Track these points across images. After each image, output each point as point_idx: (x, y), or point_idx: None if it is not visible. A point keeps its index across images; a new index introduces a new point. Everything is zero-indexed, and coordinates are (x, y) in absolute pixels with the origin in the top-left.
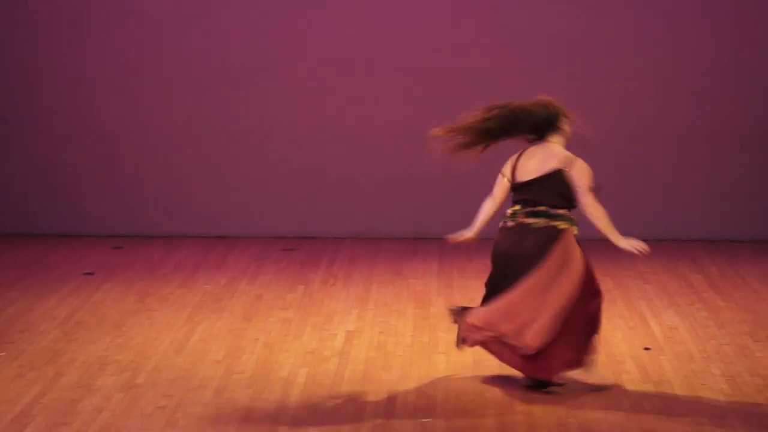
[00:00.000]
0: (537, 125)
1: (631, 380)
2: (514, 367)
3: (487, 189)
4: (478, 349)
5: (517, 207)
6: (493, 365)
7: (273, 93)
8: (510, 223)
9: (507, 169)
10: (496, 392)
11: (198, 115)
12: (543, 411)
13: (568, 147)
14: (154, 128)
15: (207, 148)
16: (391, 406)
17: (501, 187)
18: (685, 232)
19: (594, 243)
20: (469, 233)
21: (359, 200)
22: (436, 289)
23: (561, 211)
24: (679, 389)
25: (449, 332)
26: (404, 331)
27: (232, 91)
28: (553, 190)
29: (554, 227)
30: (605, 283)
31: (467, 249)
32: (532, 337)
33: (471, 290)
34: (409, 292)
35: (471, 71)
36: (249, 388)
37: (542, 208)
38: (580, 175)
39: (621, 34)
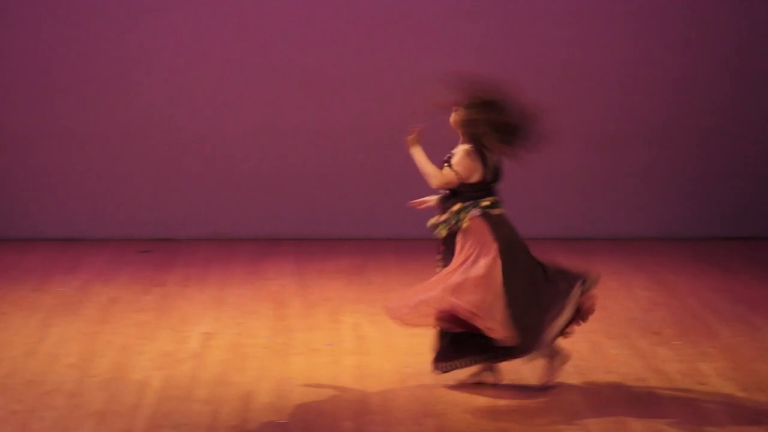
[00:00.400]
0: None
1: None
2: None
3: (343, 188)
4: (334, 349)
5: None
6: (350, 366)
7: (121, 96)
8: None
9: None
10: (353, 393)
11: (44, 117)
12: (400, 411)
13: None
14: (6, 129)
15: (57, 151)
16: (247, 408)
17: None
18: (539, 230)
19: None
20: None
21: (214, 202)
22: (291, 290)
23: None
24: (534, 387)
25: (305, 332)
26: (260, 332)
27: (85, 92)
28: None
29: None
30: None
31: (323, 250)
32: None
33: (326, 290)
34: (264, 293)
35: (322, 71)
36: (103, 392)
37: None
38: None
39: (503, 32)
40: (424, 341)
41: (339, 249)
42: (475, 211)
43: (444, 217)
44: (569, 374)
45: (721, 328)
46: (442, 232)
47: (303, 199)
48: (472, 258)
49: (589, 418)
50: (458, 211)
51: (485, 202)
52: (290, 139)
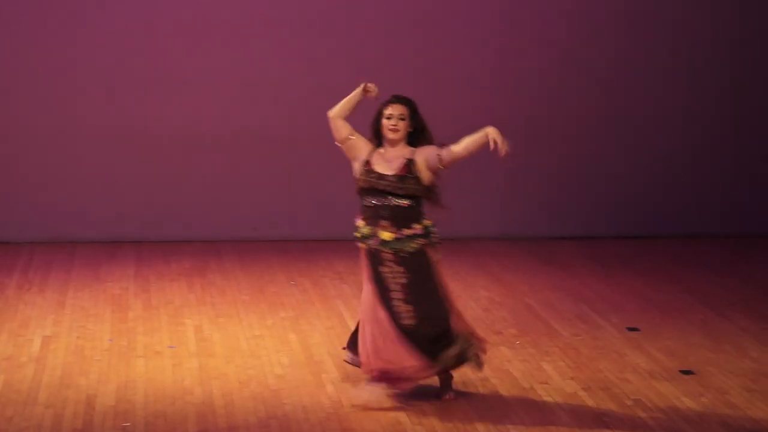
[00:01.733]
0: None
1: (331, 379)
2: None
3: (184, 191)
4: (177, 352)
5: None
6: (193, 368)
7: None
8: None
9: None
10: (197, 395)
11: None
12: (244, 412)
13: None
14: None
15: None
16: (90, 411)
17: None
18: None
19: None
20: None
21: (54, 204)
22: (133, 293)
23: None
24: (377, 386)
25: (147, 335)
26: (102, 335)
27: None
28: None
29: None
30: (302, 284)
31: (163, 252)
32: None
33: (168, 293)
34: (106, 296)
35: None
36: None
37: None
38: None
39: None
40: (266, 343)
41: (180, 251)
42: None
43: (409, 232)
44: None
45: (562, 328)
46: (412, 249)
47: (142, 201)
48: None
49: (433, 419)
50: (430, 227)
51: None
52: (130, 142)
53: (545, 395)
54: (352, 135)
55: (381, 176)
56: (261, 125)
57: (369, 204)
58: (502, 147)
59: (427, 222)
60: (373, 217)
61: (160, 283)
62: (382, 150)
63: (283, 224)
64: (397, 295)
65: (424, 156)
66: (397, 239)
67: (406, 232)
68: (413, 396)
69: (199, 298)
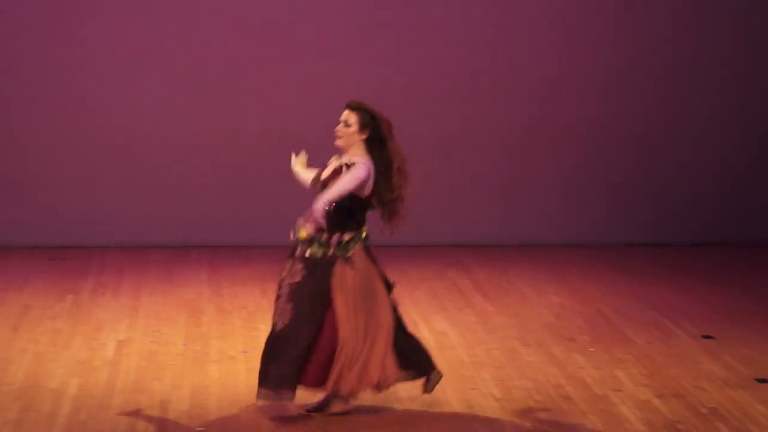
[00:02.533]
0: None
1: (402, 385)
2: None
3: (257, 196)
4: (250, 357)
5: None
6: None
7: (30, 102)
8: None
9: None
10: None
11: None
12: (318, 416)
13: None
14: None
15: None
16: (164, 416)
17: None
18: (450, 238)
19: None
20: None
21: (127, 209)
22: (207, 297)
23: None
24: (451, 394)
25: (221, 340)
26: (176, 340)
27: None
28: None
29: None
30: None
31: (235, 257)
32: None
33: (241, 298)
34: (179, 300)
35: (239, 79)
36: (19, 400)
37: None
38: None
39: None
40: None
41: (252, 256)
42: (361, 243)
43: (325, 238)
44: (485, 381)
45: (635, 335)
46: (315, 252)
47: (215, 206)
48: (367, 299)
49: (507, 426)
50: (348, 242)
51: (366, 230)
52: (202, 146)
53: (619, 402)
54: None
55: (319, 181)
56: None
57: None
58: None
59: (346, 236)
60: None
61: (234, 288)
62: (336, 158)
63: None
64: (287, 289)
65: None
66: (310, 239)
67: (321, 237)
68: (485, 403)
69: (272, 303)
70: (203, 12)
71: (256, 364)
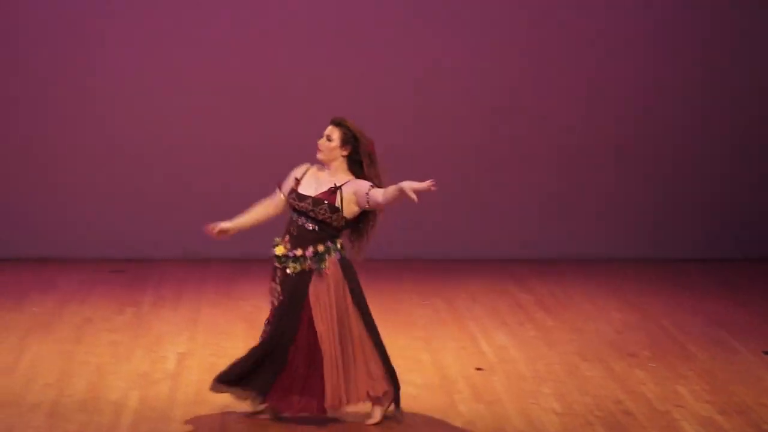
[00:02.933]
0: None
1: (463, 400)
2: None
3: None
4: None
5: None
6: None
7: (89, 117)
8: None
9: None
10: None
11: (8, 135)
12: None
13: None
14: None
15: (27, 170)
16: (224, 429)
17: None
18: (510, 252)
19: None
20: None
21: (187, 221)
22: (265, 311)
23: None
24: (511, 409)
25: None
26: (235, 353)
27: (58, 113)
28: None
29: None
30: (435, 304)
31: None
32: None
33: None
34: (239, 313)
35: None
36: (81, 412)
37: None
38: None
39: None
40: (398, 363)
41: None
42: (336, 254)
43: (300, 253)
44: (546, 396)
45: (697, 351)
46: (295, 268)
47: (273, 219)
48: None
49: None
50: (323, 253)
51: (340, 242)
52: (259, 158)
53: (680, 418)
54: (284, 192)
55: (301, 197)
56: (398, 143)
57: (290, 218)
58: (427, 188)
59: (320, 248)
60: (284, 231)
61: None
62: (317, 169)
63: (415, 243)
64: (270, 314)
65: (355, 189)
66: (285, 256)
67: (296, 252)
68: (545, 417)
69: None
70: (225, 21)
71: None
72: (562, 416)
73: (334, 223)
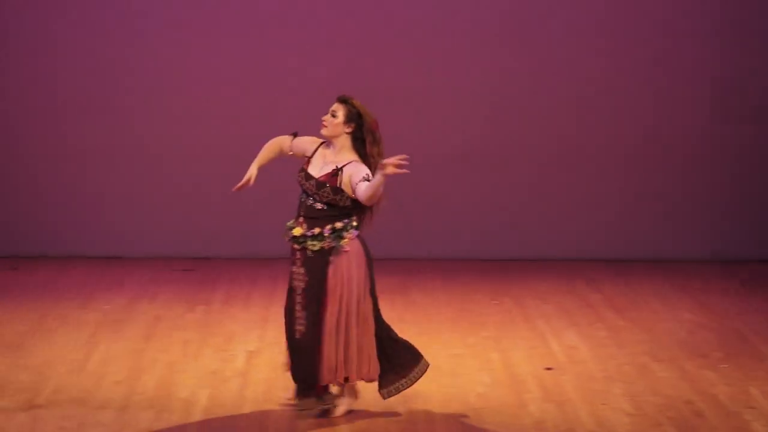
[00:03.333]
0: None
1: (533, 399)
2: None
3: (385, 210)
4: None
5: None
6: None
7: (161, 117)
8: None
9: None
10: (397, 411)
11: (84, 134)
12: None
13: None
14: (45, 147)
15: (98, 168)
16: (293, 428)
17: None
18: (580, 252)
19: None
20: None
21: (257, 220)
22: None
23: None
24: (581, 409)
25: None
26: None
27: (123, 112)
28: None
29: None
30: (505, 303)
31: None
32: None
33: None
34: None
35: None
36: (150, 409)
37: None
38: None
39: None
40: (467, 362)
41: (381, 268)
42: (353, 231)
43: (318, 231)
44: (616, 397)
45: None
46: (314, 246)
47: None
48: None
49: None
50: (340, 230)
51: (355, 219)
52: None
53: (752, 419)
54: (290, 150)
55: (308, 176)
56: (467, 144)
57: (300, 199)
58: (400, 163)
59: (338, 224)
60: (297, 212)
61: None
62: (324, 147)
63: (484, 243)
64: (299, 299)
65: (350, 173)
66: (303, 236)
67: (314, 231)
68: (616, 418)
69: (400, 316)
70: (242, 28)
71: None
72: (632, 417)
73: (341, 203)
